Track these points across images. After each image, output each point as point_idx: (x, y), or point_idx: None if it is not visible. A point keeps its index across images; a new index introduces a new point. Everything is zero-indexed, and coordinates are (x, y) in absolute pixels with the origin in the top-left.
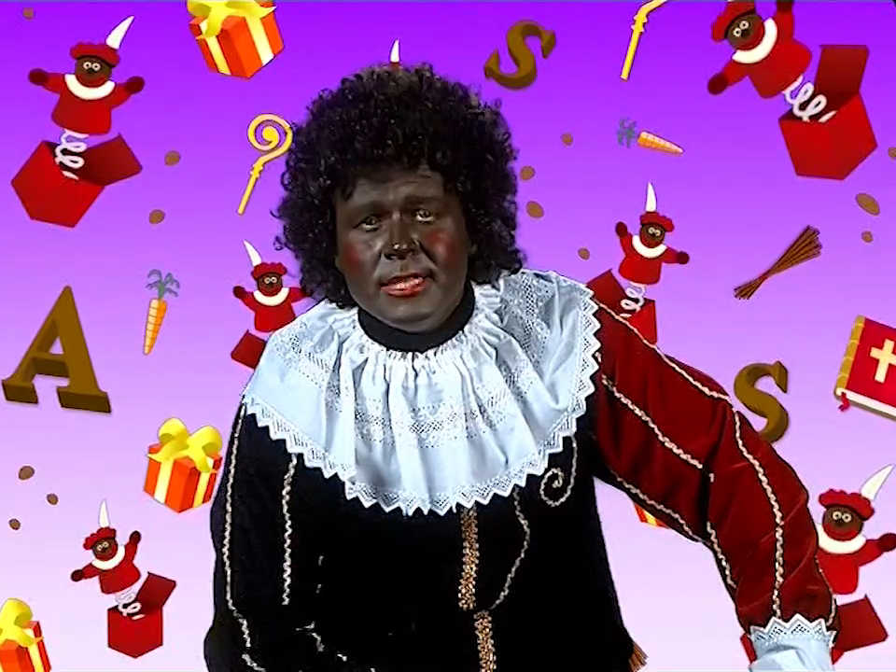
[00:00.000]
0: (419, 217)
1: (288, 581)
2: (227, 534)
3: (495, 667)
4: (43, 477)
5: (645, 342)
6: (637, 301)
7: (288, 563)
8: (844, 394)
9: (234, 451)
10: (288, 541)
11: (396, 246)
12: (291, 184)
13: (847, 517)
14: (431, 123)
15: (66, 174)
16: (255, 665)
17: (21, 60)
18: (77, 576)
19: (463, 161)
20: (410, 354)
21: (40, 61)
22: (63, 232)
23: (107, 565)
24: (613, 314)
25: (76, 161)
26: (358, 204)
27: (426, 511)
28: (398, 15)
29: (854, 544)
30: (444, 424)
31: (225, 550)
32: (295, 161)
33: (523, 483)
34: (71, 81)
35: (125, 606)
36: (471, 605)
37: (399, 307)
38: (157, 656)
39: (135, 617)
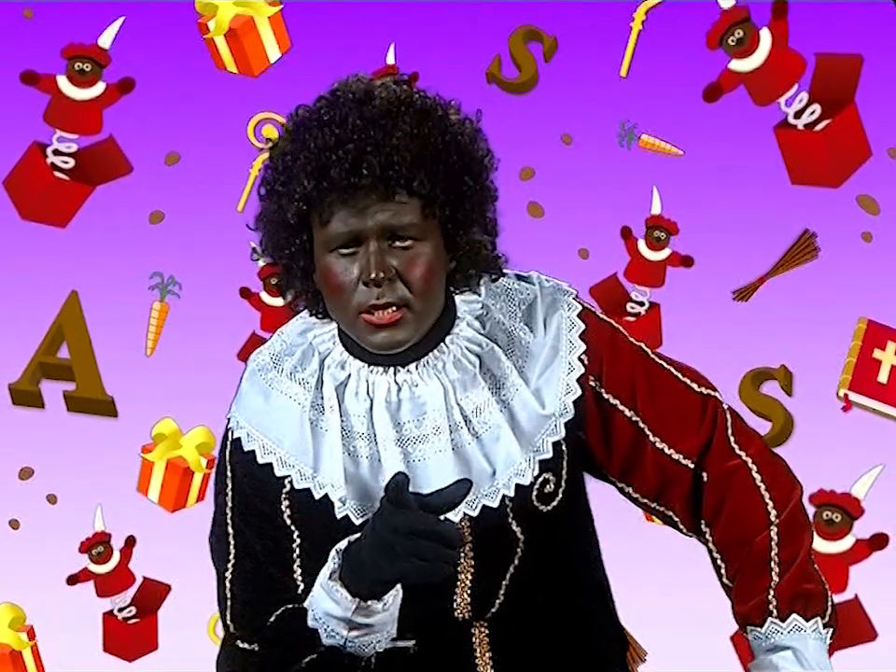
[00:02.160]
0: (397, 243)
1: (301, 587)
2: (231, 556)
3: None
4: (43, 478)
5: (631, 339)
6: (642, 304)
7: (299, 573)
8: (846, 395)
9: (228, 474)
10: (297, 551)
11: (373, 276)
12: (268, 200)
13: (837, 517)
14: (408, 150)
15: (57, 174)
16: (245, 644)
17: (16, 60)
18: (73, 580)
19: (441, 185)
20: (392, 368)
21: (38, 61)
22: (66, 235)
23: (103, 569)
24: (598, 312)
25: (67, 162)
26: (335, 232)
27: None
28: (402, 18)
29: (844, 544)
30: (430, 437)
31: (228, 574)
32: (272, 179)
33: (511, 493)
34: (62, 82)
35: (120, 610)
36: (467, 614)
37: (376, 335)
38: (152, 660)
39: (131, 621)
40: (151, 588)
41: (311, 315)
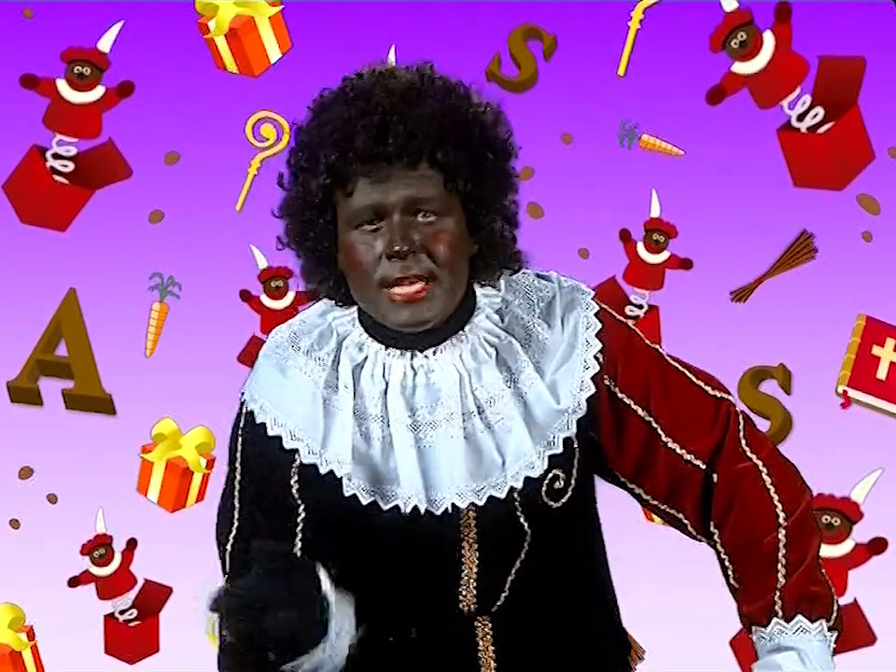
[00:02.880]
0: (420, 218)
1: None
2: (234, 529)
3: None
4: (43, 477)
5: (647, 341)
6: (641, 307)
7: (299, 547)
8: (845, 391)
9: (239, 447)
10: (301, 525)
11: (396, 248)
12: (292, 183)
13: (836, 521)
14: (432, 121)
15: (57, 178)
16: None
17: (16, 63)
18: (74, 582)
19: (464, 159)
20: (409, 353)
21: (38, 63)
22: (66, 235)
23: (104, 571)
24: (615, 313)
25: (66, 166)
26: (359, 205)
27: (422, 511)
28: (402, 17)
29: (843, 548)
30: (442, 423)
31: (229, 548)
32: (296, 159)
33: (519, 486)
34: (62, 85)
35: (122, 612)
36: (472, 607)
37: (402, 312)
38: (153, 663)
39: (132, 623)
40: (152, 590)
41: (331, 301)
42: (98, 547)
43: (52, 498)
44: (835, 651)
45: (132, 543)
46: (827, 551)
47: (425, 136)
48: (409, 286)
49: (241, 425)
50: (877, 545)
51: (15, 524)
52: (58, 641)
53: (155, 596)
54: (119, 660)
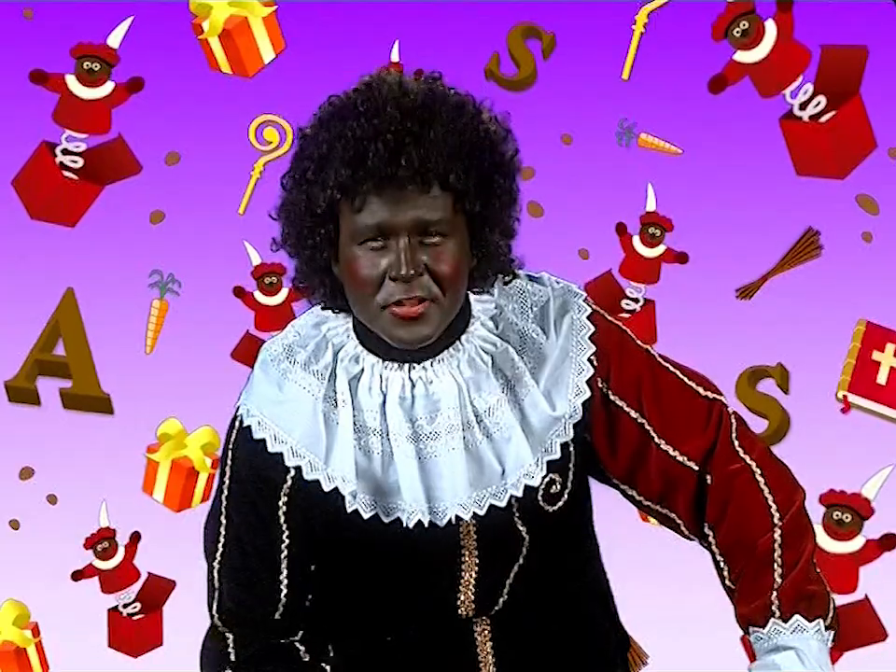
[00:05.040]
0: (426, 239)
1: (285, 591)
2: (220, 546)
3: None
4: (43, 477)
5: (639, 342)
6: (637, 301)
7: (285, 574)
8: (845, 397)
9: (229, 463)
10: (285, 552)
11: (403, 272)
12: (295, 189)
13: (847, 517)
14: (446, 144)
15: (66, 174)
16: (231, 636)
17: (21, 60)
18: (78, 576)
19: (473, 181)
20: (406, 365)
21: (41, 61)
22: (64, 233)
23: (107, 565)
24: (606, 315)
25: (76, 161)
26: (367, 224)
27: (426, 523)
28: (399, 16)
29: (854, 544)
30: (442, 434)
31: (216, 564)
32: (302, 169)
33: (519, 494)
34: (71, 81)
35: (125, 606)
36: (470, 612)
37: (400, 329)
38: (157, 656)
39: (135, 617)
40: (156, 584)
41: (324, 310)
42: (101, 541)
43: (52, 499)
44: (846, 648)
45: (135, 537)
46: (838, 547)
47: (438, 160)
48: (409, 306)
49: (234, 439)
50: (888, 541)
51: (15, 524)
52: (62, 637)
53: (158, 590)
54: (122, 653)
